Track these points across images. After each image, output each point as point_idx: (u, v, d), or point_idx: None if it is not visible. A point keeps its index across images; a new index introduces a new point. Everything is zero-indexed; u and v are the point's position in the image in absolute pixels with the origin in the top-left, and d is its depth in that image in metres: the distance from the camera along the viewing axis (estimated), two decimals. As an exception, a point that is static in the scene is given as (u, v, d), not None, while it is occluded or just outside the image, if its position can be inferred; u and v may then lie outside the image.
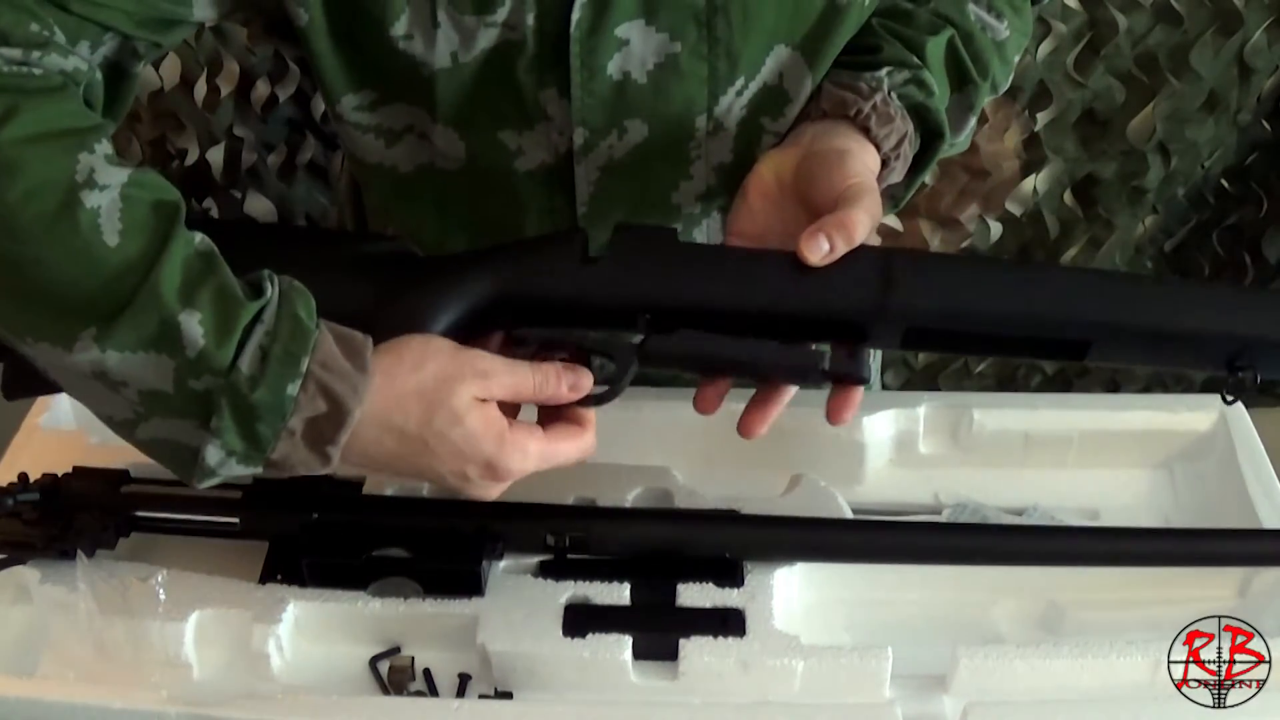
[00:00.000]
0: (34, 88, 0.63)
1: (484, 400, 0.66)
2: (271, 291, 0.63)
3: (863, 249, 0.68)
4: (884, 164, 0.75)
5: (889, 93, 0.76)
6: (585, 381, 0.69)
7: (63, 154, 0.62)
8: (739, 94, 0.77)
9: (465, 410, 0.65)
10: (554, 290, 0.69)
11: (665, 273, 0.69)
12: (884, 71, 0.76)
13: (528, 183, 0.80)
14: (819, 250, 0.66)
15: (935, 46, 0.80)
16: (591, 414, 0.71)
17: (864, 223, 0.67)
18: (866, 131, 0.74)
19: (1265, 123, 1.57)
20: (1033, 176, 1.57)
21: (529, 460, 0.67)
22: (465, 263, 0.70)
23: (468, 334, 0.70)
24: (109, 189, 0.62)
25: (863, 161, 0.73)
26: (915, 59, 0.78)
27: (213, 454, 0.62)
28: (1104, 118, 1.54)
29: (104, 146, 0.64)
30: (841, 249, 0.67)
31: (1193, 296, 0.69)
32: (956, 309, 0.67)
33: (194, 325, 0.61)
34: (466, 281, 0.69)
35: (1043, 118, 1.53)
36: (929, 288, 0.67)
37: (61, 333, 0.61)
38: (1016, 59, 0.86)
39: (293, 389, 0.62)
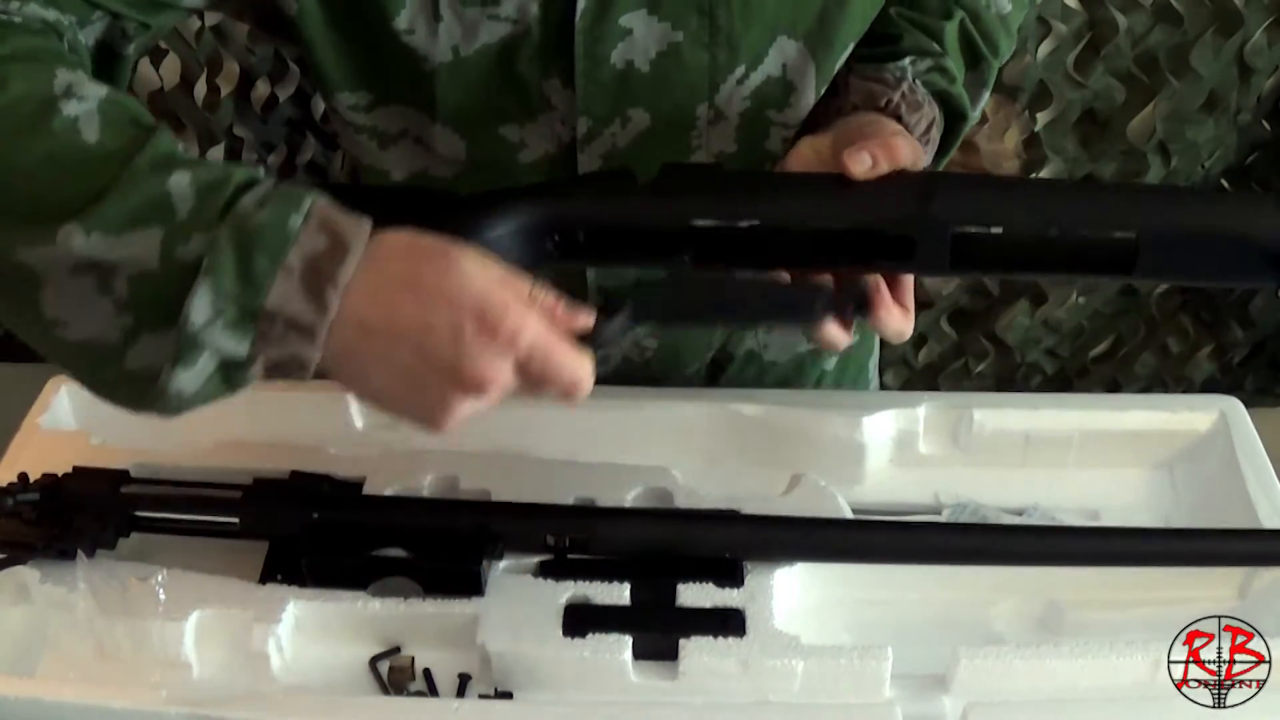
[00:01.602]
0: (15, 25, 0.63)
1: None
2: (264, 171, 0.62)
3: (904, 171, 0.69)
4: None
5: (914, 80, 0.78)
6: (582, 318, 0.64)
7: (43, 70, 0.61)
8: (739, 83, 0.77)
9: (460, 257, 0.60)
10: (600, 214, 0.69)
11: (710, 195, 0.69)
12: (907, 61, 0.79)
13: (530, 175, 0.80)
14: (862, 163, 0.68)
15: (951, 30, 0.82)
16: (589, 356, 0.66)
17: (906, 149, 0.69)
18: (898, 119, 0.76)
19: (1265, 123, 1.57)
20: (1033, 176, 1.58)
21: (527, 325, 0.60)
22: (511, 190, 0.70)
23: (509, 257, 0.68)
24: (87, 100, 0.61)
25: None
26: (936, 46, 0.81)
27: (200, 307, 0.57)
28: (1104, 118, 1.54)
29: (84, 73, 0.63)
30: (884, 166, 0.68)
31: (1236, 200, 0.70)
32: (1001, 215, 0.67)
33: (184, 185, 0.58)
34: (511, 204, 0.69)
35: (1043, 118, 1.53)
36: (973, 196, 0.68)
37: (46, 229, 0.58)
38: (1017, 27, 0.89)
39: (295, 220, 0.58)
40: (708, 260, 0.70)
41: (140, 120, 0.62)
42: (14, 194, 0.59)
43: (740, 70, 0.76)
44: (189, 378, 0.59)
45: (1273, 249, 0.66)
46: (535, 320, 0.61)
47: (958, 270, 0.69)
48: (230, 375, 0.60)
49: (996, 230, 0.67)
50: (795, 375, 1.00)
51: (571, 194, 0.70)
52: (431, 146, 0.79)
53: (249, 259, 0.57)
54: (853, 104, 0.77)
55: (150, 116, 0.63)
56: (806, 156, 0.75)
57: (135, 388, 0.60)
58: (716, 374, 0.97)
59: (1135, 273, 0.67)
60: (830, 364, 1.01)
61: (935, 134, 0.79)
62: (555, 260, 0.71)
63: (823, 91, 0.80)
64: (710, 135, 0.79)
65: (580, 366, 0.62)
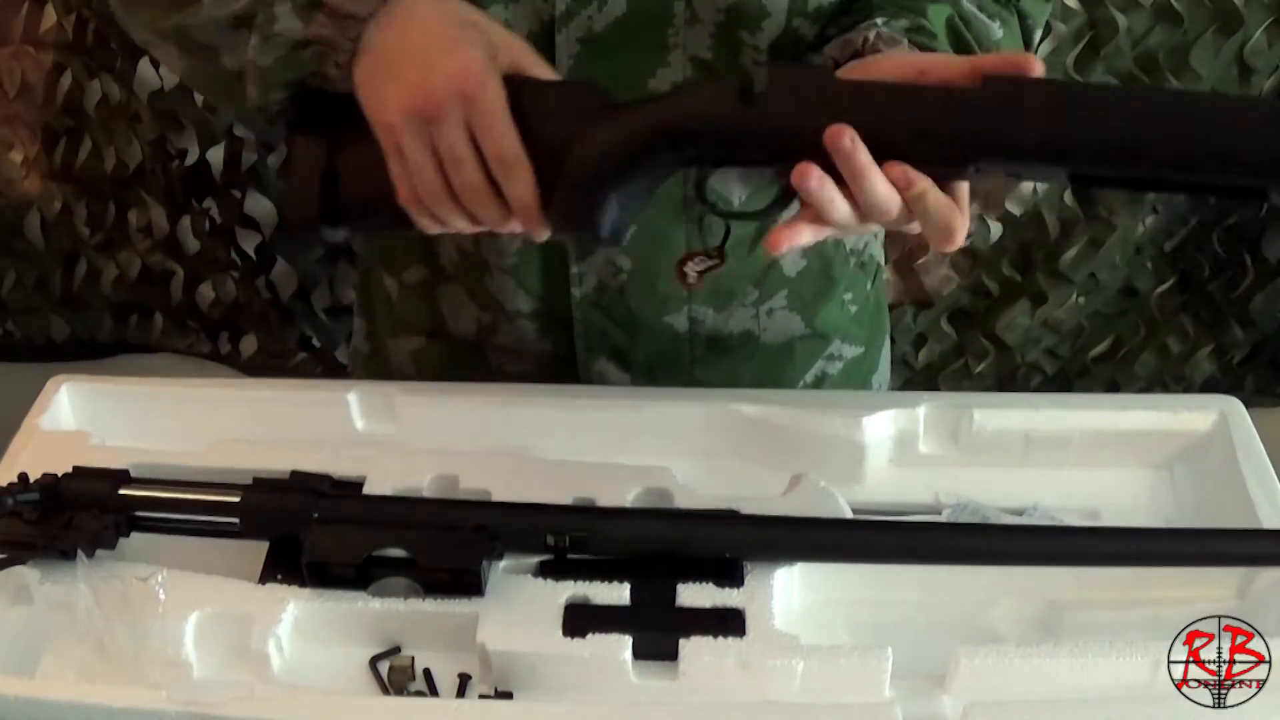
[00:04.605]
0: None
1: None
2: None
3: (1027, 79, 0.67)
4: None
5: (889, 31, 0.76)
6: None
7: None
8: None
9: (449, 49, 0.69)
10: (710, 125, 0.69)
11: (826, 104, 0.67)
12: (880, 19, 0.76)
13: None
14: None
15: (937, 14, 0.79)
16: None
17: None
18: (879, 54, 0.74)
19: (1265, 123, 1.57)
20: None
21: (453, 113, 0.68)
22: (632, 104, 0.72)
23: (629, 170, 0.71)
24: None
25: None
26: (915, 16, 0.78)
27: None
28: (1104, 118, 1.54)
29: None
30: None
31: None
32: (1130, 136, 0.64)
33: None
34: (628, 117, 0.71)
35: (1043, 118, 1.53)
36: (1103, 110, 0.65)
37: None
38: None
39: None
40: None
41: None
42: None
43: None
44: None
45: None
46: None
47: (1074, 181, 0.67)
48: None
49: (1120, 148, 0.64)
50: (786, 356, 0.99)
51: (685, 109, 0.70)
52: None
53: None
54: (832, 59, 0.76)
55: None
56: None
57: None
58: (711, 353, 0.97)
59: (1267, 205, 0.64)
60: (835, 369, 1.02)
61: None
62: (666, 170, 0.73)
63: (796, 26, 0.81)
64: (686, 36, 0.81)
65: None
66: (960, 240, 0.67)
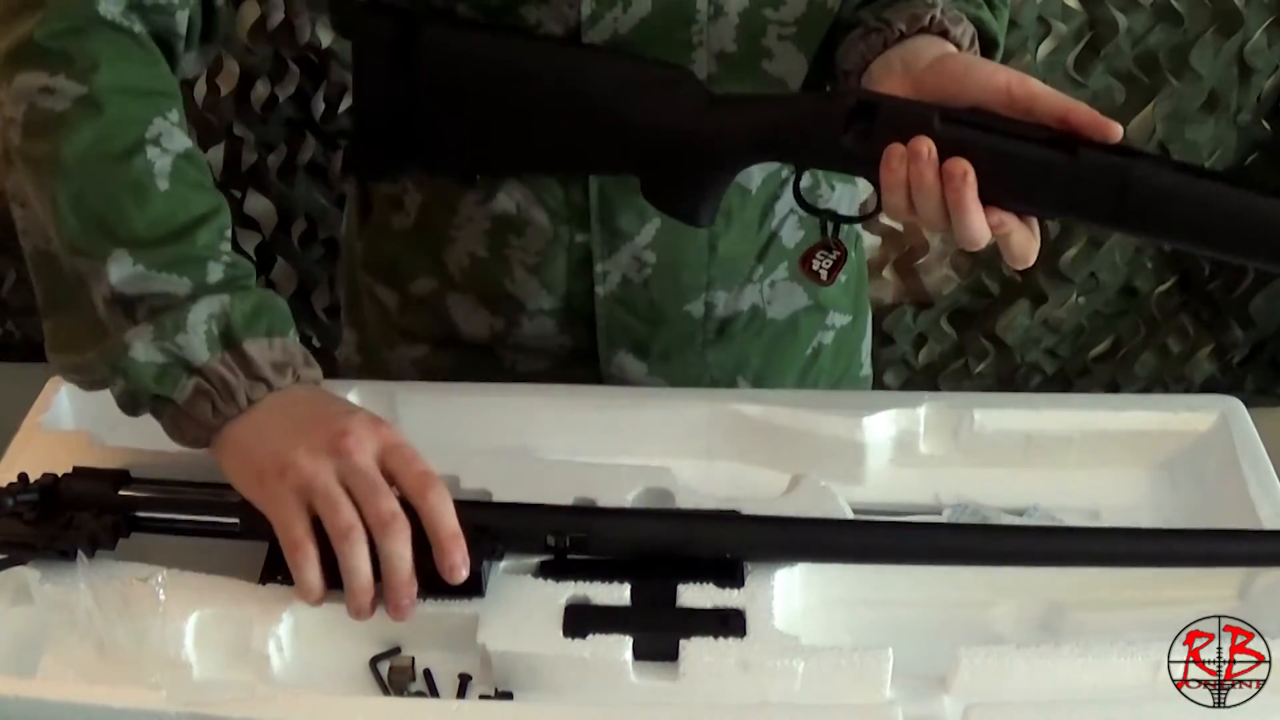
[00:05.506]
0: (130, 38, 0.75)
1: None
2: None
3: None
4: None
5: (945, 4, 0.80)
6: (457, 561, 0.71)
7: (141, 110, 0.74)
8: None
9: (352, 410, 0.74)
10: (822, 141, 0.75)
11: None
12: None
13: None
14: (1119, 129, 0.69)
15: None
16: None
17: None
18: (946, 34, 0.78)
19: (1265, 123, 1.57)
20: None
21: (366, 442, 0.71)
22: (738, 102, 0.79)
23: (737, 168, 0.80)
24: (169, 154, 0.74)
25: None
26: None
27: (199, 313, 0.72)
28: (1104, 118, 1.54)
29: (174, 115, 0.76)
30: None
31: None
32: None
33: (219, 271, 0.74)
34: (742, 120, 0.77)
35: (1043, 118, 1.53)
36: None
37: (100, 251, 0.73)
38: (1004, 22, 0.89)
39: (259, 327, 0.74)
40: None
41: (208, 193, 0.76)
42: (94, 214, 0.73)
43: None
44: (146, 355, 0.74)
45: None
46: (382, 435, 0.72)
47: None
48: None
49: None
50: (791, 332, 1.00)
51: (791, 129, 0.76)
52: None
53: (225, 319, 0.74)
54: (899, 31, 0.79)
55: (213, 189, 0.77)
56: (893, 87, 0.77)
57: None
58: (722, 335, 0.97)
59: None
60: (829, 338, 1.03)
61: (976, 52, 0.81)
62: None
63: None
64: (710, 32, 0.82)
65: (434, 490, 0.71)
66: (1033, 260, 0.73)
